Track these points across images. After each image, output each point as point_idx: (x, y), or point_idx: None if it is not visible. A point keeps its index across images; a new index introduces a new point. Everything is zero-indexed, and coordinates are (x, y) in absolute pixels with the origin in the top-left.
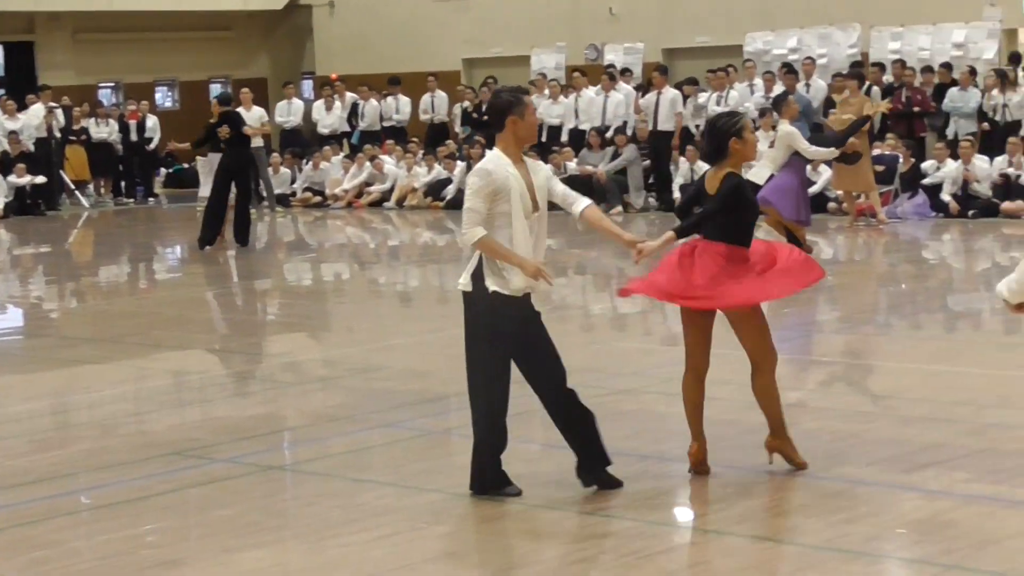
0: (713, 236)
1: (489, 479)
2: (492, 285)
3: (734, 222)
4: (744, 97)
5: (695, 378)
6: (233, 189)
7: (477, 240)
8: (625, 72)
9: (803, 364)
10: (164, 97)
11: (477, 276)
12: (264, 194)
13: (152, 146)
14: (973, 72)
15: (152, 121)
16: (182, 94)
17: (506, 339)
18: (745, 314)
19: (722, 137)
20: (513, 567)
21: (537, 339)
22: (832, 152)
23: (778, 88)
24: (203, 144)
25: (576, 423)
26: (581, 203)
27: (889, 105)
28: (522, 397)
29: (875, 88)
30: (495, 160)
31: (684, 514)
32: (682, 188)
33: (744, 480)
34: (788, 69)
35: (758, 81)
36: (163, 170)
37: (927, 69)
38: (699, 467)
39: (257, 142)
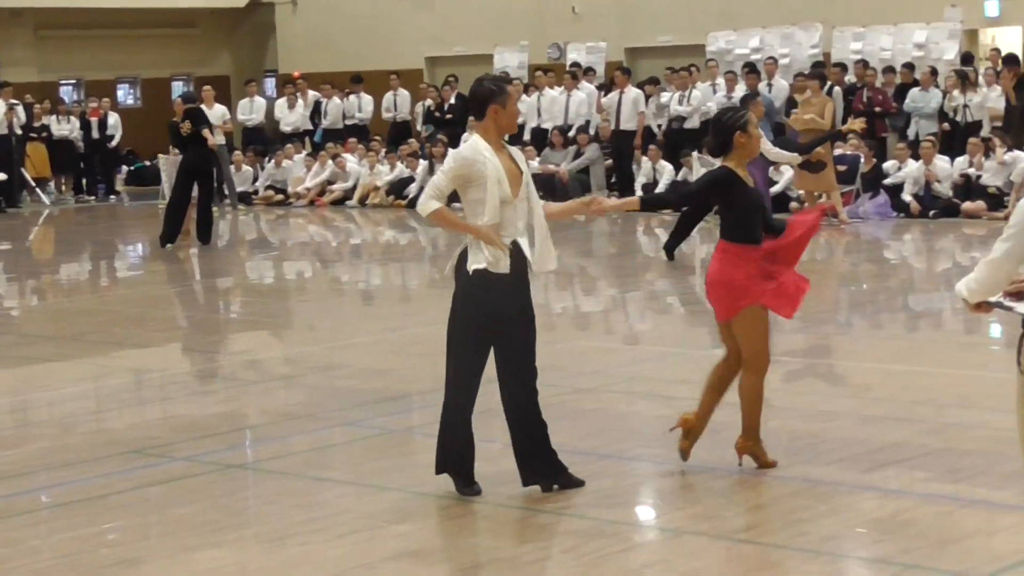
0: (723, 235)
1: (451, 464)
2: (474, 263)
3: (728, 217)
4: (707, 96)
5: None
6: (196, 187)
7: (431, 212)
8: (588, 71)
9: None
10: (126, 94)
11: (462, 257)
12: (226, 192)
13: (114, 143)
14: (934, 73)
15: (114, 118)
16: (144, 91)
17: (485, 320)
18: (753, 312)
19: (727, 131)
20: (475, 566)
21: (519, 326)
22: (795, 157)
23: (740, 88)
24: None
25: (530, 427)
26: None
27: (863, 124)
28: (484, 395)
29: (837, 88)
30: (473, 147)
31: (644, 513)
32: (644, 187)
33: (704, 479)
34: (750, 69)
35: (720, 80)
36: (124, 167)
37: (888, 69)
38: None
39: (219, 140)
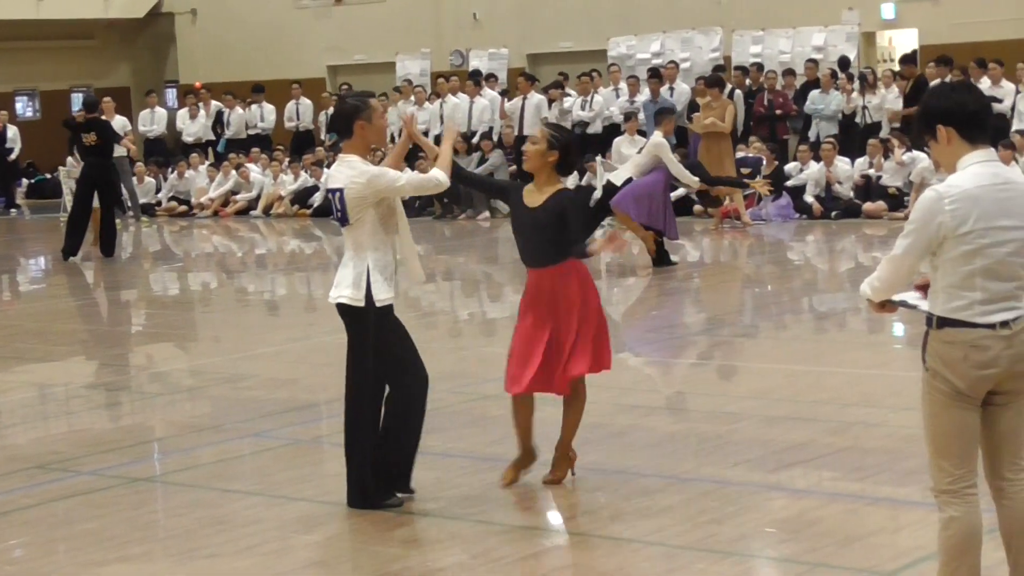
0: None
1: (372, 493)
2: (382, 296)
3: None
4: (609, 101)
5: None
6: (96, 199)
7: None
8: (490, 77)
9: (668, 366)
10: (24, 107)
11: (367, 289)
12: (129, 204)
13: (13, 156)
14: (834, 75)
15: (12, 131)
16: (43, 103)
17: (391, 349)
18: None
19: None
20: (388, 573)
21: (406, 342)
22: (695, 182)
23: (644, 92)
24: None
25: (409, 436)
26: None
27: (768, 189)
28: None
29: (738, 92)
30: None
31: (552, 517)
32: None
33: (611, 483)
34: (652, 73)
35: (623, 85)
36: (24, 180)
37: (788, 72)
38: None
39: (120, 151)
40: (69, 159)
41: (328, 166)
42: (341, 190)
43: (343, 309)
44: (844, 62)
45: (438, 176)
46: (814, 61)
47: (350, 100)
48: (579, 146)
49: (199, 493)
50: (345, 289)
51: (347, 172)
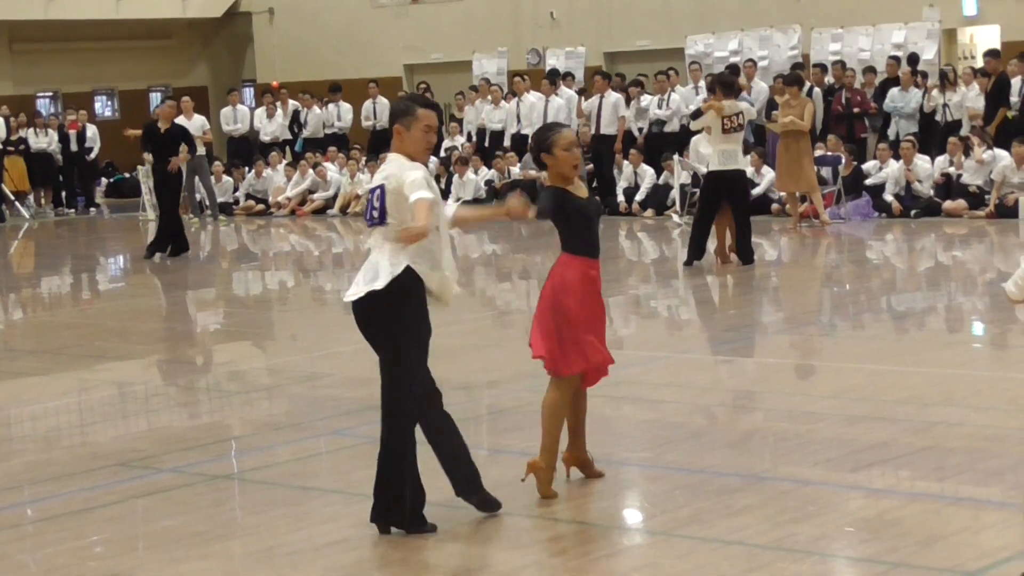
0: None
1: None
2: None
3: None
4: (686, 99)
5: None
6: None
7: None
8: (567, 76)
9: (747, 365)
10: (103, 107)
11: (408, 275)
12: (207, 203)
13: (92, 156)
14: (914, 72)
15: (92, 131)
16: (122, 103)
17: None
18: None
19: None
20: (467, 571)
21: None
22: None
23: None
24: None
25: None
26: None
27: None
28: (466, 404)
29: (816, 90)
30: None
31: (632, 516)
32: (625, 191)
33: (690, 482)
34: (731, 71)
35: (701, 84)
36: (104, 180)
37: (868, 70)
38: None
39: (200, 150)
40: (147, 157)
41: None
42: (382, 186)
43: (362, 303)
44: (913, 58)
45: (434, 218)
46: (896, 58)
47: (401, 102)
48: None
49: (278, 491)
50: (370, 283)
51: (389, 169)
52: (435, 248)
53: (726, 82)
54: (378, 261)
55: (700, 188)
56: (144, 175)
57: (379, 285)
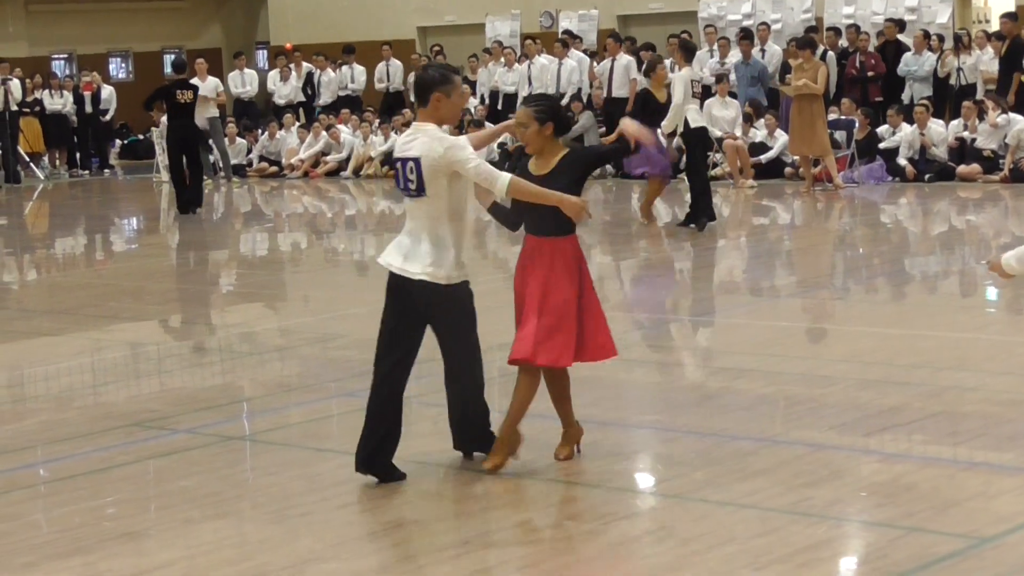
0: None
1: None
2: (463, 275)
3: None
4: (701, 62)
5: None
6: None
7: (509, 184)
8: (576, 38)
9: (760, 328)
10: (118, 68)
11: (457, 265)
12: (220, 164)
13: (107, 117)
14: (927, 36)
15: (107, 92)
16: (136, 65)
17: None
18: None
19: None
20: (482, 534)
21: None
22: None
23: (734, 54)
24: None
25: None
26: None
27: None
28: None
29: (830, 53)
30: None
31: (646, 479)
32: None
33: (704, 445)
34: (744, 34)
35: (714, 46)
36: (118, 141)
37: (882, 34)
38: None
39: (213, 112)
40: (163, 119)
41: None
42: (418, 159)
43: (423, 286)
44: (901, 24)
45: (503, 180)
46: (893, 20)
47: (432, 70)
48: (560, 101)
49: (291, 452)
50: (427, 267)
51: (424, 140)
52: (462, 208)
53: (689, 47)
54: (421, 239)
55: (687, 148)
56: (158, 136)
57: (441, 279)
